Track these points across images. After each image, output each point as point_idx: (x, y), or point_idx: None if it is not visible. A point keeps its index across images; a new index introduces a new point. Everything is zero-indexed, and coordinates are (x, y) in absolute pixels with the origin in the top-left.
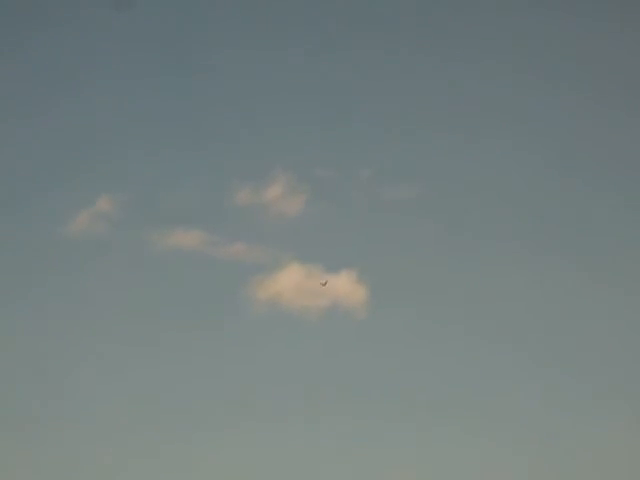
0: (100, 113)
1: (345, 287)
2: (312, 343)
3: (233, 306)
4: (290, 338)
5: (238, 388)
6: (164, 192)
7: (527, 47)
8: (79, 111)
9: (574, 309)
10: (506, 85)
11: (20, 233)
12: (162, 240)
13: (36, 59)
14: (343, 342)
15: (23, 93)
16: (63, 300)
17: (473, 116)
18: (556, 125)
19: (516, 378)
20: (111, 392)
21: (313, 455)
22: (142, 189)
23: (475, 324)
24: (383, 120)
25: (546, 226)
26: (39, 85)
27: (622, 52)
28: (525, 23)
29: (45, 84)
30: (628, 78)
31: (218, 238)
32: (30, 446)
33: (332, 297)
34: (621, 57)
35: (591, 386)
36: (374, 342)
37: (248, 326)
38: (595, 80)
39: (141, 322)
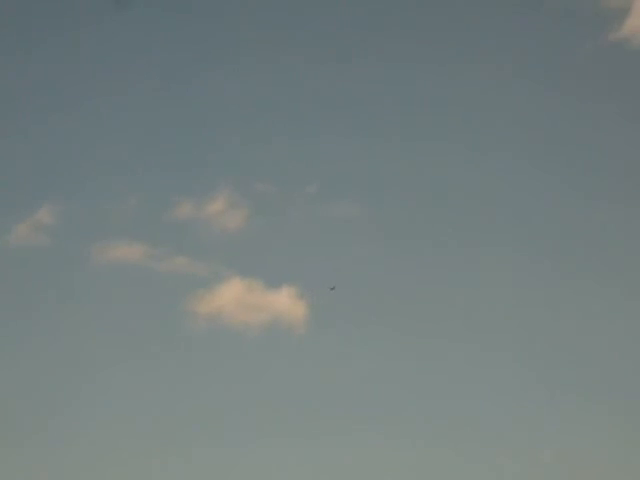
0: (41, 123)
1: (285, 303)
2: (252, 358)
3: (174, 320)
4: (230, 353)
5: (178, 402)
6: (106, 205)
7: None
8: (19, 120)
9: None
10: (461, 98)
11: None
12: (103, 253)
13: None
14: (283, 357)
15: None
16: None
17: (423, 132)
18: (514, 136)
19: (451, 389)
20: (47, 406)
21: (250, 471)
22: (84, 201)
23: (414, 339)
24: (330, 136)
25: (489, 239)
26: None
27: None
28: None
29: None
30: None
31: (160, 252)
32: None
33: (272, 312)
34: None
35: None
36: (313, 357)
37: (188, 340)
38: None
39: (80, 335)
